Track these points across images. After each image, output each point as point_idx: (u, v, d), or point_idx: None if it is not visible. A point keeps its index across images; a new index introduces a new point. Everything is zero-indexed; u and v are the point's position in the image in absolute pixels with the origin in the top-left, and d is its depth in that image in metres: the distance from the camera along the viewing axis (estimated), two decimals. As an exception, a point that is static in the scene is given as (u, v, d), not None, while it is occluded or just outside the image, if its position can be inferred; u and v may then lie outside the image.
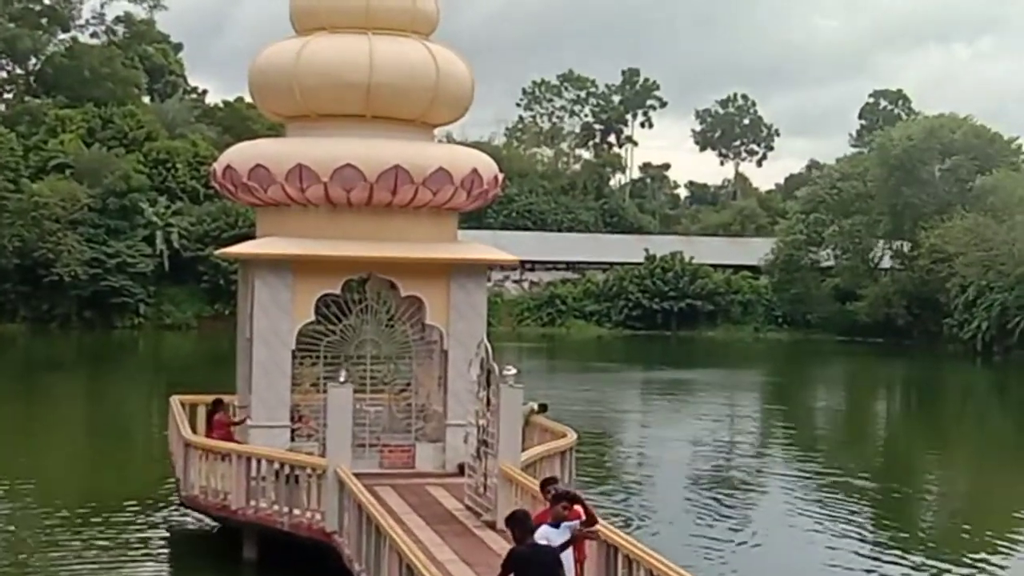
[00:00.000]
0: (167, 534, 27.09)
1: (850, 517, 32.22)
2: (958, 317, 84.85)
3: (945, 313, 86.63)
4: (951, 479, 41.80)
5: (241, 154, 27.19)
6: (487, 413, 22.75)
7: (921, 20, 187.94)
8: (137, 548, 26.27)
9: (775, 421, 56.41)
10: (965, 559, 27.56)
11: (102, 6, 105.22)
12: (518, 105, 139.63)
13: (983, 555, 28.12)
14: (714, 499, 34.58)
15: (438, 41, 27.19)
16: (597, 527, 15.13)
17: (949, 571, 26.12)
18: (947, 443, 52.12)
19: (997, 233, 79.73)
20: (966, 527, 32.97)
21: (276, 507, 22.82)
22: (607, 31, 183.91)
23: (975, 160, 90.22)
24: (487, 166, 27.33)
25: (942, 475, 42.71)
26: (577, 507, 14.47)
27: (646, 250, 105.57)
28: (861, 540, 29.38)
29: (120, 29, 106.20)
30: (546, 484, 16.29)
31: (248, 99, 59.43)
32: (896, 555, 27.51)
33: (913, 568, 26.22)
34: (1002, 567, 27.22)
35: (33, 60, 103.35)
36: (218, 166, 27.81)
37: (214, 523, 25.29)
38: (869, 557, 27.40)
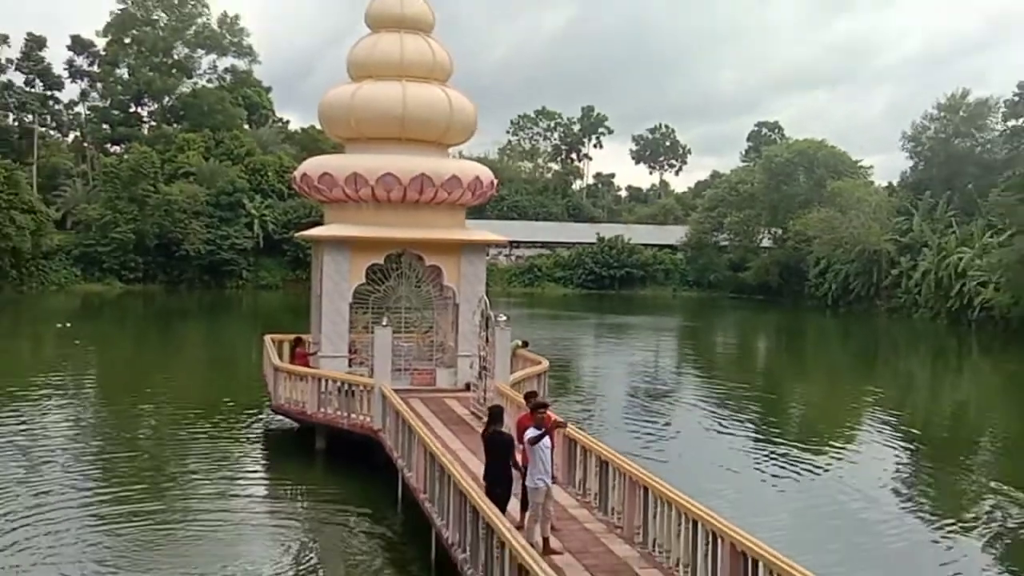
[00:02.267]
0: (262, 431, 27.13)
1: (741, 416, 32.48)
2: (814, 281, 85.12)
3: (806, 278, 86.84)
4: (809, 390, 42.02)
5: (313, 165, 27.20)
6: (486, 347, 22.87)
7: (794, 73, 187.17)
8: (240, 440, 26.52)
9: (687, 351, 56.66)
10: (818, 441, 27.87)
11: (215, 61, 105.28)
12: (507, 132, 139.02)
13: (830, 439, 28.59)
14: (647, 405, 34.81)
15: (452, 86, 27.14)
16: (565, 423, 15.40)
17: (809, 450, 26.27)
18: (806, 366, 52.43)
19: (842, 223, 79.76)
20: (818, 421, 33.20)
21: (339, 412, 23.01)
22: (571, 79, 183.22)
23: (828, 171, 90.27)
24: (486, 174, 27.35)
25: (802, 388, 42.95)
26: (549, 412, 14.55)
27: (597, 234, 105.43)
28: (749, 431, 29.62)
29: (228, 77, 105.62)
30: (529, 397, 16.33)
31: (318, 126, 58.83)
32: (773, 440, 27.71)
33: (784, 447, 26.37)
34: (843, 447, 27.56)
35: (167, 99, 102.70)
36: (297, 174, 27.86)
37: (295, 423, 25.31)
38: (755, 441, 27.66)
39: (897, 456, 27.71)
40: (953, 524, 20.18)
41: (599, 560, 13.10)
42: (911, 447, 29.43)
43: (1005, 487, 23.58)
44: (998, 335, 60.42)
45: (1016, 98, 69.17)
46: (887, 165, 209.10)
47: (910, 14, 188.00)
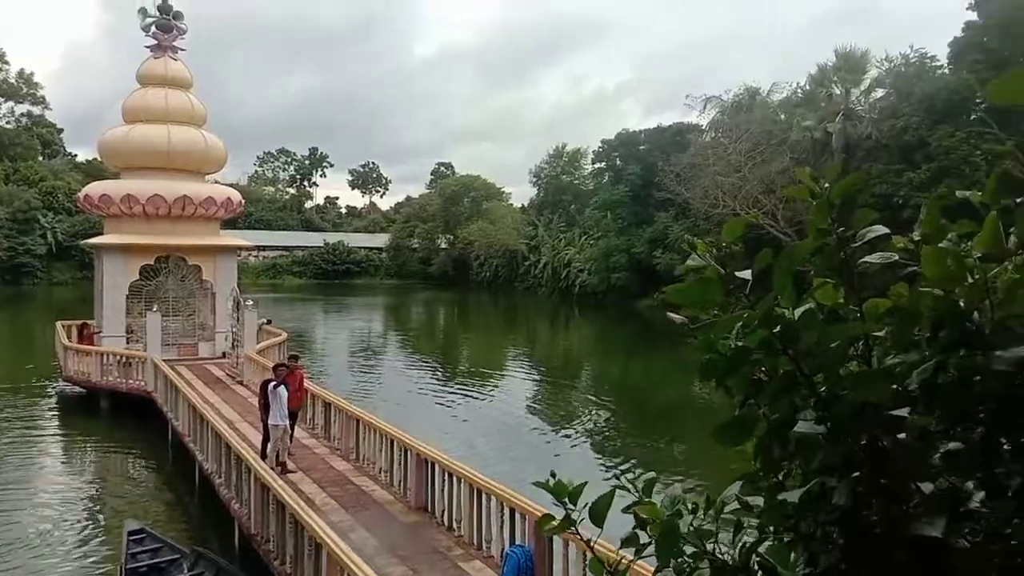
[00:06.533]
0: (55, 396, 23.86)
1: (427, 361, 32.12)
2: (476, 270, 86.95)
3: (470, 269, 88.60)
4: (472, 341, 42.64)
5: (95, 188, 24.40)
6: (237, 325, 21.42)
7: (465, 129, 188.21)
8: (40, 403, 23.11)
9: (389, 319, 56.27)
10: (479, 375, 28.07)
11: (13, 107, 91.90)
12: (254, 164, 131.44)
13: (487, 373, 28.60)
14: (360, 359, 33.97)
15: (209, 129, 25.18)
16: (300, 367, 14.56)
17: (473, 382, 26.43)
18: (470, 325, 53.36)
19: (493, 232, 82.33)
20: (479, 362, 33.69)
21: (118, 379, 20.71)
22: (303, 127, 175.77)
23: (483, 196, 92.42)
24: (236, 196, 25.71)
25: (468, 339, 43.48)
26: (297, 364, 13.97)
27: (324, 240, 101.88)
28: (433, 371, 29.11)
29: (24, 119, 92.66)
30: (291, 359, 15.21)
31: (99, 158, 52.60)
32: (449, 376, 27.57)
33: (457, 381, 26.49)
34: (495, 378, 27.88)
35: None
36: (81, 195, 24.89)
37: (82, 390, 22.46)
38: (437, 378, 27.13)
39: (531, 382, 28.96)
40: (566, 423, 21.39)
41: (324, 474, 12.62)
42: (539, 375, 30.87)
43: (596, 399, 25.37)
44: (591, 305, 64.86)
45: (600, 148, 74.34)
46: (521, 193, 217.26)
47: (542, 91, 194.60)
